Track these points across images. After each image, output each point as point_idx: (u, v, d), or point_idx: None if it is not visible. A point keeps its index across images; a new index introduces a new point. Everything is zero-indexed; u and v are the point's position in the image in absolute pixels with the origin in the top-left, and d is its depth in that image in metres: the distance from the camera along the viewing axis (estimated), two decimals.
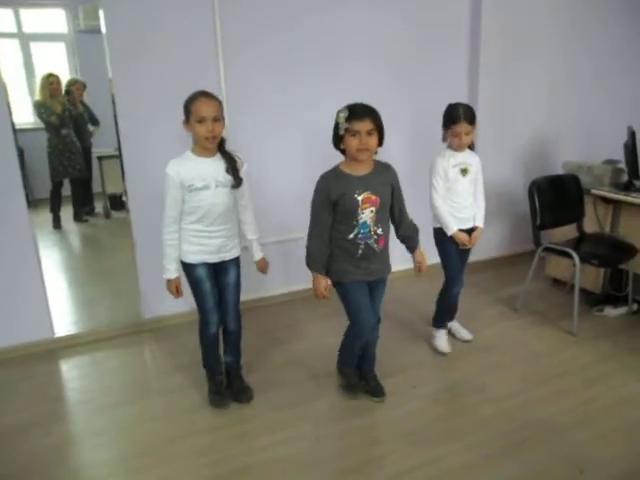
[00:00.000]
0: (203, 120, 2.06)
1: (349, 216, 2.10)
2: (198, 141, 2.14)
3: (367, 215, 2.10)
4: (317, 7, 3.22)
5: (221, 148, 2.20)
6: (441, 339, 2.90)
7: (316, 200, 2.14)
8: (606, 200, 3.34)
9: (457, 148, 2.64)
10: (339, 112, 2.02)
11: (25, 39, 6.49)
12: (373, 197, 2.09)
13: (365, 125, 1.99)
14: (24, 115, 6.21)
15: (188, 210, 2.19)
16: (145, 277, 3.13)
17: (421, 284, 3.31)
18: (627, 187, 3.25)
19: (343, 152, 2.11)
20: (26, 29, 6.48)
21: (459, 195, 2.70)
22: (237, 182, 2.20)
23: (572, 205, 3.35)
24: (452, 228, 2.68)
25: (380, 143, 2.09)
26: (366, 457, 2.12)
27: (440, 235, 2.73)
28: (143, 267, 3.11)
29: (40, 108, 5.15)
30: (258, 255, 2.43)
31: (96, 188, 5.98)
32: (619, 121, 3.72)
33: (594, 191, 3.33)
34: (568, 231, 3.38)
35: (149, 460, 2.14)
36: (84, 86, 5.91)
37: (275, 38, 3.15)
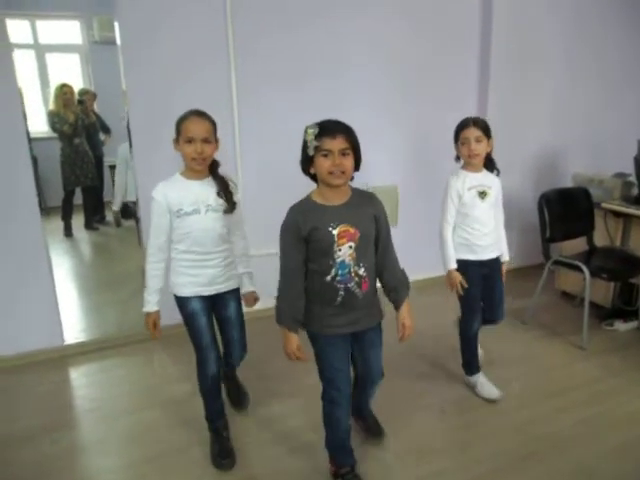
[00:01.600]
0: (192, 140, 1.93)
1: (324, 254, 1.74)
2: (186, 162, 2.00)
3: (345, 252, 1.73)
4: (324, 12, 3.25)
5: (213, 171, 2.05)
6: (484, 385, 2.56)
7: (284, 237, 1.78)
8: (616, 214, 3.32)
9: (468, 159, 2.37)
10: (307, 128, 1.70)
11: (41, 50, 6.61)
12: (352, 230, 1.73)
13: (338, 143, 1.67)
14: (38, 124, 6.30)
15: (177, 238, 2.03)
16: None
17: (427, 294, 3.30)
18: (637, 201, 3.24)
19: (314, 178, 1.78)
20: (42, 40, 6.61)
21: (477, 221, 2.40)
22: (230, 206, 2.04)
23: (582, 218, 3.34)
24: (449, 265, 2.43)
25: (357, 166, 1.76)
26: (369, 467, 2.10)
27: (459, 265, 2.45)
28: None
29: (54, 117, 5.23)
30: (247, 288, 2.24)
31: (107, 197, 6.05)
32: (629, 134, 3.72)
33: (604, 204, 3.32)
34: (578, 244, 3.36)
35: (155, 469, 2.14)
36: (95, 96, 6.01)
37: (285, 48, 3.19)
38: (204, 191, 2.02)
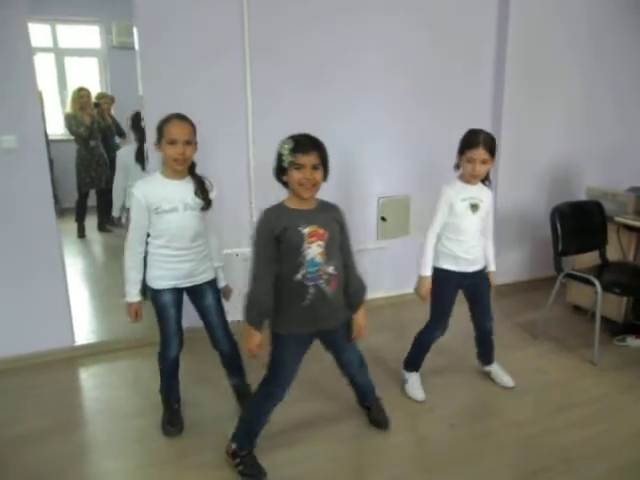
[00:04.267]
0: (174, 142, 2.07)
1: (294, 252, 1.85)
2: (167, 163, 2.13)
3: (315, 250, 1.86)
4: (340, 14, 3.27)
5: (191, 171, 2.19)
6: (413, 384, 2.65)
7: (258, 236, 1.91)
8: (630, 228, 3.30)
9: (469, 178, 2.40)
10: (283, 143, 1.86)
11: (60, 54, 6.72)
12: (320, 230, 1.87)
13: (311, 159, 1.83)
14: (55, 126, 6.39)
15: (155, 233, 2.16)
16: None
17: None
18: None
19: (285, 185, 1.93)
20: (61, 44, 6.71)
21: (466, 233, 2.44)
22: (206, 204, 2.18)
23: (595, 232, 3.32)
24: (424, 271, 2.46)
25: (325, 177, 1.92)
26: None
27: (439, 274, 2.48)
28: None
29: (70, 120, 5.30)
30: (222, 282, 2.40)
31: None
32: None
33: (618, 218, 3.30)
34: (590, 258, 3.34)
35: (163, 472, 2.15)
36: (112, 100, 6.08)
37: (300, 52, 3.21)
38: (183, 190, 2.16)
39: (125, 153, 3.78)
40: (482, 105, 3.85)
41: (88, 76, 6.82)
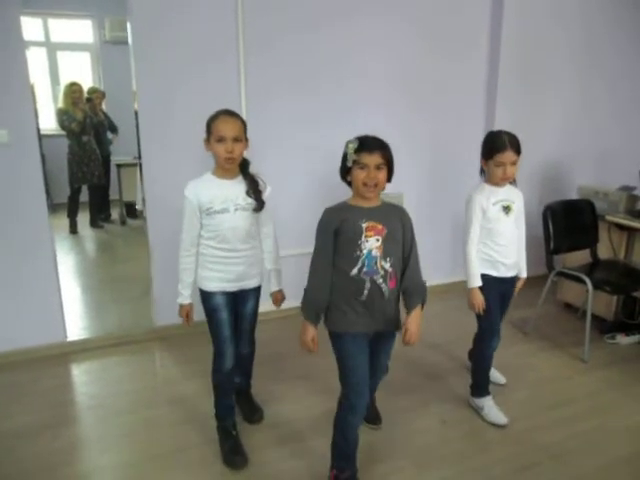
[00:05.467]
0: (222, 140, 1.98)
1: (351, 245, 1.84)
2: (218, 161, 2.05)
3: (372, 244, 1.84)
4: (337, 18, 3.28)
5: (243, 170, 2.10)
6: (491, 409, 2.48)
7: (319, 230, 1.91)
8: (621, 227, 3.33)
9: (500, 182, 2.32)
10: (348, 143, 1.86)
11: (52, 48, 6.68)
12: (379, 226, 1.86)
13: (374, 159, 1.83)
14: (46, 121, 6.35)
15: (207, 234, 2.09)
16: (159, 285, 3.16)
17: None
18: None
19: (349, 184, 1.93)
20: (53, 38, 6.66)
21: (503, 237, 2.36)
22: (259, 205, 2.10)
23: (586, 230, 3.35)
24: (474, 283, 2.37)
25: (389, 179, 1.92)
26: (369, 474, 2.11)
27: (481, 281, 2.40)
28: (158, 276, 3.15)
29: (62, 115, 5.27)
30: (275, 287, 2.29)
31: (113, 195, 6.09)
32: (635, 148, 3.73)
33: (609, 217, 3.32)
34: (581, 256, 3.37)
35: (155, 468, 2.15)
36: (104, 95, 6.05)
37: (296, 52, 3.21)
38: (234, 190, 2.07)
39: None
40: (475, 104, 3.86)
41: (80, 71, 6.79)
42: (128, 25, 2.88)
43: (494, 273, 2.40)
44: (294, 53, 3.21)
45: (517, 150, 2.28)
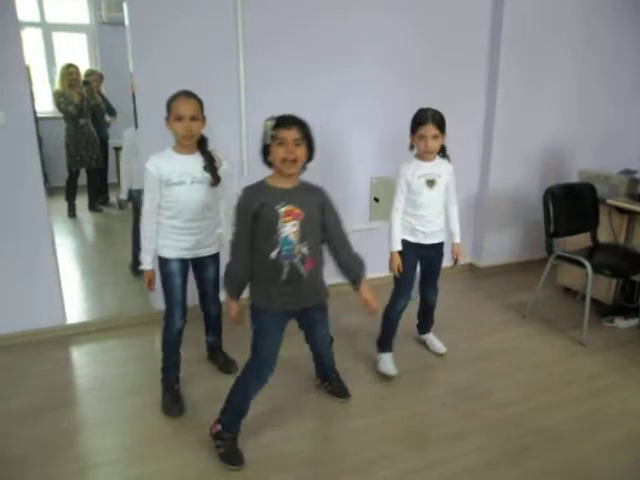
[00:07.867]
0: (181, 118, 2.14)
1: (269, 229, 1.90)
2: (177, 138, 2.21)
3: (289, 229, 1.91)
4: (336, 7, 3.23)
5: (201, 147, 2.26)
6: (386, 364, 2.68)
7: (237, 212, 1.97)
8: (621, 210, 3.31)
9: (423, 154, 2.50)
10: (266, 120, 1.92)
11: (48, 29, 6.57)
12: (297, 210, 1.91)
13: (292, 133, 1.87)
14: (43, 104, 6.28)
15: (165, 205, 2.25)
16: (157, 268, 3.14)
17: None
18: None
19: (270, 165, 1.97)
20: (49, 19, 6.56)
21: (424, 208, 2.55)
22: (215, 180, 2.25)
23: (587, 214, 3.33)
24: (394, 247, 2.58)
25: (310, 157, 1.96)
26: (368, 458, 2.13)
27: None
28: (156, 258, 3.13)
29: (59, 98, 5.22)
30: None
31: (111, 178, 6.05)
32: (636, 131, 3.69)
33: (609, 201, 3.31)
34: (581, 240, 3.36)
35: (153, 450, 2.16)
36: (101, 77, 5.99)
37: (295, 39, 3.17)
38: (191, 164, 2.23)
39: (130, 134, 3.65)
40: (476, 89, 3.82)
41: (77, 53, 6.70)
42: (124, 5, 2.83)
43: (412, 239, 2.60)
44: (295, 37, 3.15)
45: (439, 125, 2.43)
